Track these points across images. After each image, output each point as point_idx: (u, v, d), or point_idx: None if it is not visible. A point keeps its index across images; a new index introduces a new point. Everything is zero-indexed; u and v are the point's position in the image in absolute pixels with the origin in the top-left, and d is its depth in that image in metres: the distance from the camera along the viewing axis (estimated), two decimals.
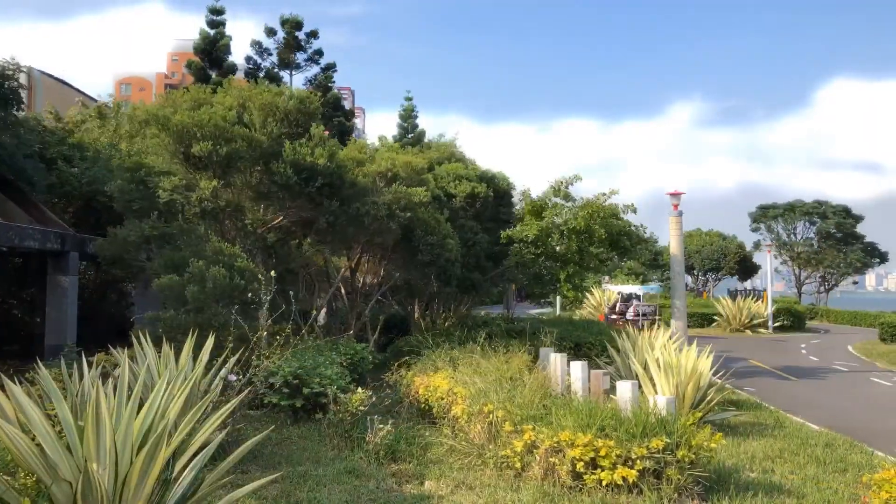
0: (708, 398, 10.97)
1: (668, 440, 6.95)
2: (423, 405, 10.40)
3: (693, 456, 6.95)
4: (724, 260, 63.77)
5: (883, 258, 63.74)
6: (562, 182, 18.69)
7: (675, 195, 19.01)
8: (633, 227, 18.35)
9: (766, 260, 46.52)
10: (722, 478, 7.63)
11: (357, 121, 59.19)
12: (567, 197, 18.54)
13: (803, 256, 61.94)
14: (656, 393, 10.71)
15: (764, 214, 64.22)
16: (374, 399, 9.46)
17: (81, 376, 5.80)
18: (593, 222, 17.46)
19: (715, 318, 37.07)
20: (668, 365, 11.00)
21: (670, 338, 13.33)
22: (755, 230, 65.28)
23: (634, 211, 18.27)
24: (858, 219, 61.67)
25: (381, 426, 8.31)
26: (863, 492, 6.94)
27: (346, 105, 45.87)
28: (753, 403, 13.67)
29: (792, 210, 62.44)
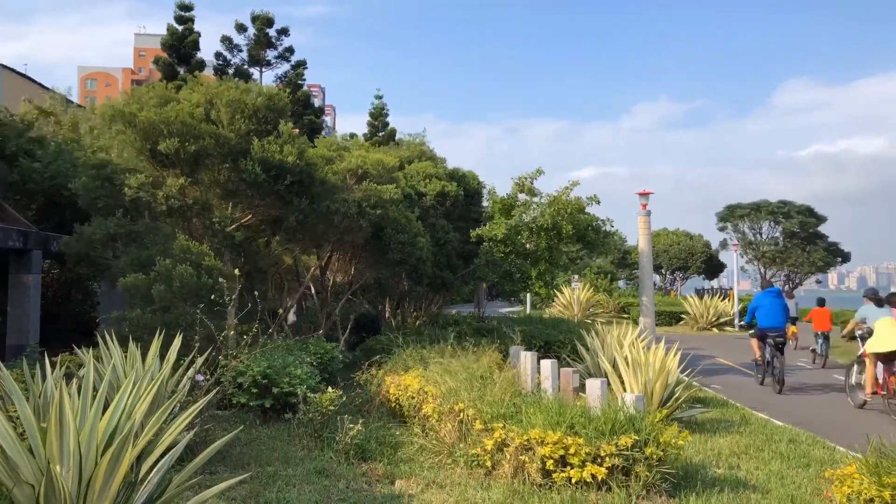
0: (675, 395, 11.11)
1: (637, 437, 7.03)
2: (393, 404, 10.38)
3: (661, 453, 7.03)
4: (692, 259, 64.82)
5: (845, 258, 65.11)
6: (525, 178, 18.79)
7: (644, 195, 19.20)
8: (599, 221, 18.50)
9: (733, 259, 47.25)
10: (689, 474, 7.73)
11: (327, 118, 58.88)
12: (532, 192, 18.64)
13: (768, 255, 63.04)
14: (625, 391, 10.83)
15: (731, 214, 65.26)
16: (344, 398, 9.41)
17: (44, 377, 5.67)
18: (560, 219, 17.58)
19: (682, 316, 37.56)
20: (637, 363, 11.12)
21: (638, 336, 13.49)
22: (722, 229, 66.39)
23: (598, 202, 18.43)
24: (822, 219, 62.95)
25: (352, 425, 8.27)
26: (825, 486, 7.09)
27: (317, 102, 45.60)
28: (720, 400, 13.87)
29: (757, 210, 63.53)
